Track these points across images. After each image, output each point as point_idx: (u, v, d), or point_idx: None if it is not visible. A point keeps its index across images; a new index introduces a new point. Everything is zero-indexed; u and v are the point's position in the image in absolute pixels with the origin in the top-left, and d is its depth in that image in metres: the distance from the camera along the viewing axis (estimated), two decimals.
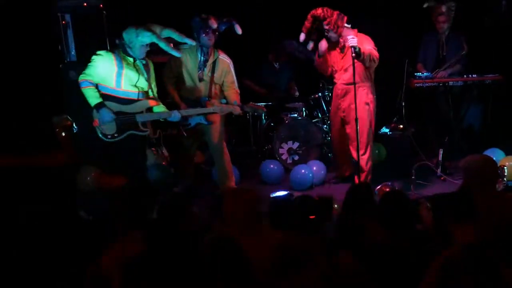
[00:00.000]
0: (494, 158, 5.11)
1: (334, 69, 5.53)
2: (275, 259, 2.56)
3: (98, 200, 4.99)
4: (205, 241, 2.94)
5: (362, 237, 2.94)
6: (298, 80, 7.39)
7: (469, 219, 2.85)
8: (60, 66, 5.59)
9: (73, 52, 5.79)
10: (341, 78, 5.46)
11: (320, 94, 6.89)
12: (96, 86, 4.67)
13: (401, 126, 6.21)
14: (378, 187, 5.23)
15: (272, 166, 6.20)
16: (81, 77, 4.65)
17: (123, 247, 2.86)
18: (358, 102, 5.15)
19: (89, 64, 4.67)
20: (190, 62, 5.17)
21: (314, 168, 5.99)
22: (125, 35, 4.63)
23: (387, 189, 5.11)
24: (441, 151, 5.91)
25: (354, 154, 5.37)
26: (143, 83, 4.75)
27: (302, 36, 5.24)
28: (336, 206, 4.16)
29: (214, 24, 5.05)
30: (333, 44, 5.42)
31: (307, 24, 5.19)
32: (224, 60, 5.24)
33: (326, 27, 5.19)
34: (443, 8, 5.97)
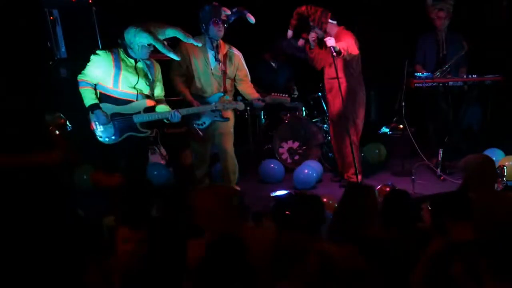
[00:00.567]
0: (494, 158, 5.13)
1: (325, 64, 5.61)
2: (274, 257, 2.58)
3: (95, 199, 5.02)
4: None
5: (360, 233, 2.96)
6: (297, 80, 7.39)
7: (466, 218, 2.87)
8: (50, 63, 5.48)
9: (63, 49, 5.67)
10: (327, 73, 5.58)
11: (319, 93, 6.91)
12: (95, 86, 4.62)
13: (401, 126, 6.22)
14: (378, 187, 5.23)
15: (272, 165, 6.21)
16: (80, 77, 4.60)
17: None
18: (340, 96, 5.24)
19: (88, 64, 4.59)
20: (200, 57, 5.00)
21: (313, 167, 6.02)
22: (125, 35, 4.53)
23: (387, 189, 5.12)
24: (441, 151, 5.92)
25: (345, 150, 5.51)
26: (142, 86, 4.65)
27: (289, 33, 5.36)
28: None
29: (227, 11, 4.90)
30: (321, 40, 5.45)
31: (293, 21, 5.30)
32: (236, 53, 5.13)
33: (311, 23, 5.28)
34: (443, 4, 5.99)
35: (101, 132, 4.65)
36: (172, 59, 4.77)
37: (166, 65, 5.05)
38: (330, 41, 5.01)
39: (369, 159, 6.53)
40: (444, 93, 6.01)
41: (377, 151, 6.61)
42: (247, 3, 6.88)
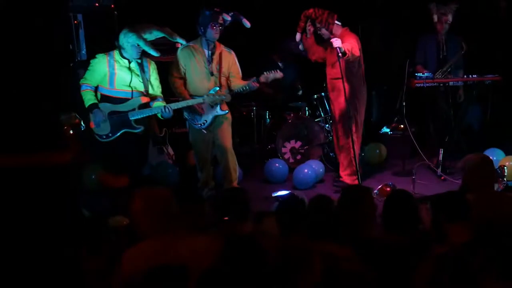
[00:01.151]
0: (494, 158, 5.18)
1: (327, 64, 5.65)
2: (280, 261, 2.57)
3: (101, 199, 5.07)
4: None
5: (358, 236, 2.97)
6: (302, 80, 7.44)
7: (463, 219, 2.88)
8: (71, 65, 5.64)
9: (83, 51, 5.93)
10: (329, 73, 5.62)
11: (323, 93, 6.93)
12: (96, 88, 4.91)
13: (402, 126, 6.25)
14: (379, 187, 5.27)
15: (277, 165, 6.24)
16: (81, 81, 4.90)
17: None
18: (342, 99, 5.30)
19: (88, 68, 4.90)
20: (197, 58, 5.17)
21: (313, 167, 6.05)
22: (119, 37, 4.84)
23: (388, 189, 5.15)
24: (441, 151, 5.94)
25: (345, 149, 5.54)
26: (137, 83, 4.90)
27: (298, 36, 5.51)
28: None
29: (227, 17, 5.10)
30: (324, 40, 5.50)
31: (301, 24, 5.43)
32: (228, 52, 5.28)
33: (318, 25, 5.39)
34: (447, 9, 6.03)
35: (99, 130, 4.90)
36: (172, 62, 5.10)
37: (167, 67, 5.24)
38: (336, 42, 5.06)
39: (370, 159, 6.56)
40: (444, 93, 6.04)
41: (377, 151, 6.63)
42: (254, 5, 7.01)
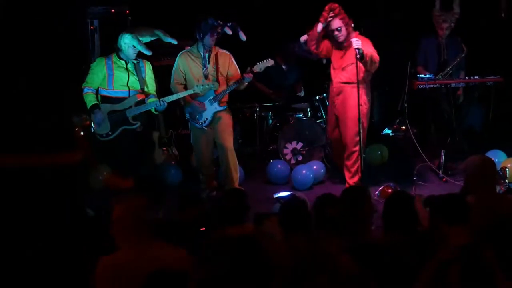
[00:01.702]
0: (496, 160, 5.16)
1: (333, 66, 5.56)
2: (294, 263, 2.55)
3: (105, 199, 5.11)
4: (208, 241, 2.99)
5: (356, 238, 2.96)
6: (304, 81, 7.45)
7: (463, 222, 2.87)
8: (84, 67, 5.76)
9: (98, 55, 6.18)
10: (338, 77, 5.49)
11: (325, 95, 6.92)
12: (97, 90, 5.20)
13: (403, 127, 6.24)
14: (380, 188, 5.26)
15: (279, 166, 6.25)
16: (83, 85, 5.17)
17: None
18: (353, 102, 5.25)
19: (89, 72, 5.21)
20: (194, 62, 5.35)
21: (314, 168, 6.06)
22: (118, 40, 5.15)
23: (389, 190, 5.15)
24: (443, 153, 5.93)
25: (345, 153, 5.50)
26: (133, 83, 5.21)
27: (320, 26, 5.33)
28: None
29: (229, 31, 5.37)
30: (337, 43, 5.45)
31: (325, 14, 5.30)
32: (225, 53, 5.43)
33: (338, 24, 5.29)
34: (449, 15, 6.04)
35: (99, 130, 5.18)
36: (174, 67, 5.39)
37: (163, 70, 5.53)
38: (357, 43, 5.05)
39: (371, 160, 6.55)
40: (446, 95, 6.03)
41: (379, 152, 6.62)
42: (255, 6, 7.03)
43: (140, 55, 5.22)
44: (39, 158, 3.40)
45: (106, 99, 5.19)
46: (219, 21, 5.25)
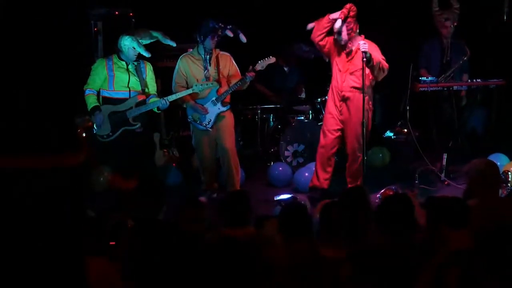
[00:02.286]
0: (498, 163, 5.11)
1: (338, 69, 5.40)
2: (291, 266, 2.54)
3: (107, 199, 5.12)
4: (207, 242, 2.98)
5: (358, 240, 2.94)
6: (305, 83, 7.44)
7: (463, 225, 2.85)
8: (87, 68, 5.79)
9: (101, 57, 6.09)
10: (347, 81, 5.35)
11: (327, 97, 6.88)
12: (99, 92, 5.24)
13: (405, 130, 6.21)
14: (382, 191, 5.23)
15: (280, 168, 6.24)
16: (85, 86, 5.20)
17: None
18: (359, 107, 5.19)
19: (90, 73, 5.23)
20: (195, 64, 5.38)
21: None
22: (118, 42, 5.19)
23: (391, 193, 5.11)
24: (445, 156, 5.90)
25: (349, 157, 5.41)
26: (134, 84, 5.24)
27: (339, 23, 5.21)
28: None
29: (230, 34, 5.43)
30: (341, 46, 5.38)
31: (346, 11, 5.22)
32: (225, 54, 5.48)
33: (347, 25, 5.22)
34: (450, 12, 6.00)
35: (100, 131, 5.21)
36: (176, 70, 5.42)
37: (170, 71, 5.52)
38: (364, 46, 5.02)
39: (373, 163, 6.53)
40: (448, 98, 6.01)
41: (380, 155, 6.60)
42: (256, 7, 7.02)
43: (140, 56, 5.25)
44: (41, 159, 3.40)
45: (107, 100, 5.22)
46: (219, 24, 5.28)
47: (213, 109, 5.38)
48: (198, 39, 5.34)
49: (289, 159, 6.56)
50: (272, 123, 7.08)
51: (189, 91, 5.27)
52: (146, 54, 5.19)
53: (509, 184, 5.18)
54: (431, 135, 6.32)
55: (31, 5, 3.05)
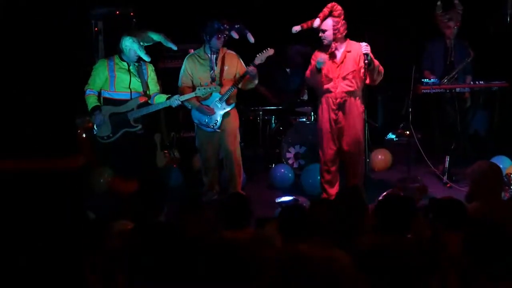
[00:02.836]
0: (501, 166, 5.10)
1: (328, 78, 5.18)
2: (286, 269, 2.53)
3: (107, 202, 5.10)
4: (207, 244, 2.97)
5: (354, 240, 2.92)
6: (308, 84, 7.42)
7: (461, 228, 2.82)
8: (87, 69, 5.75)
9: (102, 57, 6.12)
10: (340, 87, 5.13)
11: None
12: (100, 92, 5.20)
13: (407, 132, 6.19)
14: (384, 193, 5.20)
15: (282, 170, 6.22)
16: (85, 87, 5.17)
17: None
18: (355, 111, 5.11)
19: (91, 73, 5.20)
20: (202, 65, 5.34)
21: None
22: (120, 42, 5.15)
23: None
24: (447, 158, 5.89)
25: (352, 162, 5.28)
26: (135, 85, 5.20)
27: (317, 22, 5.12)
28: None
29: (235, 35, 5.44)
30: (324, 51, 5.20)
31: (326, 11, 5.13)
32: (232, 53, 5.43)
33: (327, 25, 5.07)
34: (453, 13, 5.98)
35: (100, 132, 5.18)
36: (182, 70, 5.39)
37: (173, 72, 5.56)
38: (365, 48, 4.91)
39: (375, 165, 6.51)
40: (451, 99, 5.99)
41: (382, 157, 6.57)
42: (257, 8, 7.01)
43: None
44: (41, 162, 3.39)
45: (108, 101, 5.18)
46: (225, 25, 5.25)
47: (218, 109, 5.33)
48: (204, 38, 5.30)
49: (290, 161, 6.55)
50: (273, 124, 7.08)
51: (192, 94, 5.20)
52: (146, 58, 5.16)
53: (511, 187, 5.16)
54: (433, 137, 6.31)
55: (29, 6, 3.04)
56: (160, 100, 5.20)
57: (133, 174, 4.99)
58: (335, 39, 5.10)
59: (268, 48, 5.31)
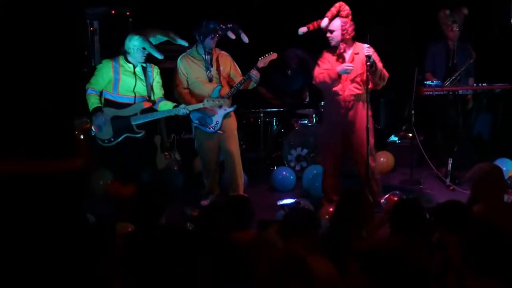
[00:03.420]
0: (504, 168, 5.10)
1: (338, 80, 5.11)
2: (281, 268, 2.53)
3: (107, 204, 5.08)
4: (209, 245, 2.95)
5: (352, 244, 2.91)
6: (310, 87, 7.41)
7: (460, 230, 2.81)
8: (85, 70, 5.71)
9: (98, 57, 6.14)
10: (348, 90, 5.08)
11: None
12: (101, 93, 5.03)
13: (410, 134, 6.17)
14: (386, 196, 5.18)
15: (284, 173, 6.21)
16: (87, 86, 5.00)
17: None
18: (364, 113, 5.02)
19: (94, 73, 5.04)
20: (196, 65, 5.30)
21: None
22: (125, 42, 4.99)
23: (395, 198, 5.06)
24: (450, 161, 5.87)
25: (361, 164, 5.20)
26: (140, 88, 5.05)
27: (325, 21, 5.05)
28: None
29: (232, 35, 5.34)
30: (332, 52, 5.16)
31: (334, 11, 5.07)
32: (225, 54, 5.42)
33: (335, 26, 5.03)
34: (457, 16, 5.96)
35: (101, 134, 5.02)
36: (177, 72, 5.28)
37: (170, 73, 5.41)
38: (368, 50, 4.86)
39: (377, 168, 6.48)
40: (453, 102, 5.97)
41: (385, 159, 6.56)
42: (258, 8, 7.00)
43: (148, 58, 5.06)
44: (39, 164, 3.38)
45: (109, 103, 5.01)
46: (221, 25, 5.21)
47: (220, 111, 5.29)
48: (197, 38, 5.25)
49: (292, 163, 6.54)
50: (275, 127, 7.07)
51: (199, 105, 5.10)
52: (158, 56, 4.97)
53: None
54: (436, 140, 6.28)
55: (28, 6, 3.04)
56: (166, 107, 5.07)
57: (132, 177, 4.92)
58: (343, 40, 5.05)
59: (271, 52, 5.29)
